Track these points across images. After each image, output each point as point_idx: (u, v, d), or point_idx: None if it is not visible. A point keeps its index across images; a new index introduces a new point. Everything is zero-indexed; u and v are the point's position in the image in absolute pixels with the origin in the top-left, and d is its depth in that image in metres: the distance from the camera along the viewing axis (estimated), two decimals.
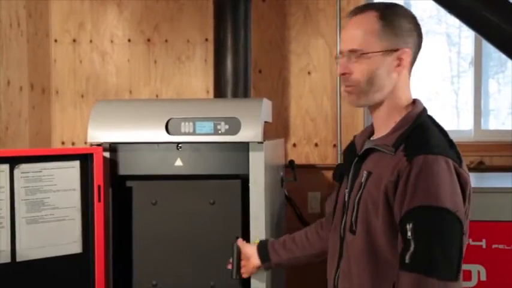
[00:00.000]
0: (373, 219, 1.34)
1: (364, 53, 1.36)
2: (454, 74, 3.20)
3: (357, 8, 1.43)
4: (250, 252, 1.84)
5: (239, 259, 1.88)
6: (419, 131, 1.36)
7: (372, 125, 1.54)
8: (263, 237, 1.95)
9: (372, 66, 1.37)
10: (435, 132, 1.38)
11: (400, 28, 1.37)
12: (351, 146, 1.56)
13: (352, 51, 1.38)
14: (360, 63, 1.37)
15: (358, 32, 1.37)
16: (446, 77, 3.17)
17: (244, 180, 2.01)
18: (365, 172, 1.39)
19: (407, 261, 1.25)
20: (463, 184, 1.31)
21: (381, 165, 1.36)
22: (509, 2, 2.42)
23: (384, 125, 1.43)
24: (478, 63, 3.01)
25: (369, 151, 1.42)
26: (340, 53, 1.42)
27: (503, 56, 2.58)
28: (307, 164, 2.98)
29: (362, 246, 1.36)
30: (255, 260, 1.82)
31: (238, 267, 1.87)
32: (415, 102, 1.44)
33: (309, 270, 2.94)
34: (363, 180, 1.39)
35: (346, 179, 1.50)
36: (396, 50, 1.37)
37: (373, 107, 1.43)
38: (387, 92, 1.39)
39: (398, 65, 1.38)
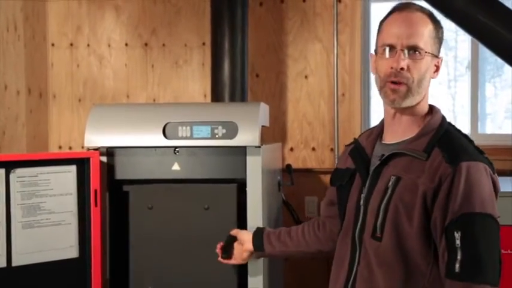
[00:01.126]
0: (405, 225, 1.33)
1: (424, 53, 1.36)
2: (451, 78, 3.21)
3: (408, 4, 1.42)
4: (245, 237, 1.83)
5: (230, 244, 1.88)
6: (451, 137, 1.38)
7: (378, 128, 1.52)
8: None
9: (424, 67, 1.37)
10: (464, 138, 1.40)
11: (441, 37, 1.43)
12: (358, 148, 1.52)
13: (412, 48, 1.36)
14: (415, 61, 1.36)
15: (422, 31, 1.37)
16: (443, 81, 3.18)
17: (241, 185, 2.01)
18: (393, 177, 1.37)
19: (457, 270, 1.25)
20: (497, 190, 1.35)
21: (412, 171, 1.34)
22: (505, 6, 2.43)
23: (407, 129, 1.42)
24: (474, 67, 3.01)
25: (391, 155, 1.40)
26: (392, 46, 1.37)
27: (500, 60, 2.58)
28: (305, 168, 2.97)
29: (391, 252, 1.34)
30: (248, 245, 1.81)
31: (226, 249, 1.87)
32: (432, 107, 1.46)
33: (306, 272, 2.94)
34: (390, 185, 1.36)
35: (359, 182, 1.46)
36: (437, 57, 1.42)
37: (404, 110, 1.41)
38: (423, 96, 1.41)
39: (435, 72, 1.42)
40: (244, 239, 1.83)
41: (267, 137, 2.46)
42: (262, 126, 2.08)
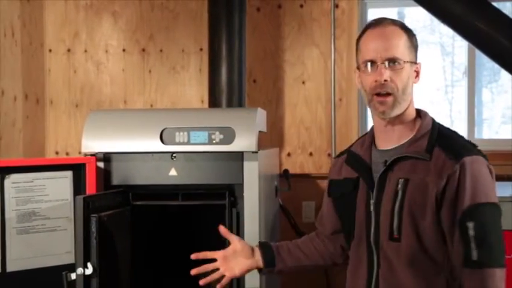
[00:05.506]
0: (421, 223, 1.41)
1: (403, 62, 1.44)
2: (448, 83, 3.22)
3: (379, 20, 1.49)
4: (248, 251, 1.64)
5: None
6: (446, 136, 1.47)
7: (370, 136, 1.57)
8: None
9: (405, 76, 1.45)
10: (456, 135, 1.50)
11: (416, 43, 1.50)
12: (354, 157, 1.57)
13: (392, 59, 1.43)
14: (396, 72, 1.44)
15: (396, 42, 1.45)
16: (440, 87, 3.19)
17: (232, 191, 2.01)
18: (401, 180, 1.43)
19: (474, 258, 1.35)
20: (494, 178, 1.44)
21: (418, 171, 1.42)
22: (502, 12, 2.43)
23: (401, 134, 1.49)
24: (471, 72, 3.02)
25: (394, 160, 1.46)
26: (373, 61, 1.45)
27: (497, 66, 2.59)
28: (302, 173, 2.97)
29: (412, 251, 1.42)
30: (255, 262, 1.64)
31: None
32: (419, 111, 1.53)
33: (305, 283, 2.92)
34: (399, 188, 1.43)
35: (365, 190, 1.50)
36: (416, 63, 1.49)
37: (395, 117, 1.47)
38: (409, 102, 1.49)
39: (417, 76, 1.50)
40: (247, 253, 1.64)
41: (264, 143, 2.46)
42: (260, 131, 2.08)
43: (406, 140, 1.48)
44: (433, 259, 1.41)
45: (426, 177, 1.41)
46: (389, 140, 1.50)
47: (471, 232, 1.35)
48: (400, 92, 1.44)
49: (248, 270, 1.65)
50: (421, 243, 1.41)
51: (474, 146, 1.47)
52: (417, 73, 1.50)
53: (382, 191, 1.46)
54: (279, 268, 1.66)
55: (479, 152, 1.45)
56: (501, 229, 1.40)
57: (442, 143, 1.44)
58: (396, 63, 1.43)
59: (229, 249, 1.63)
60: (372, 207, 1.48)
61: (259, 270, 1.66)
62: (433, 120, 1.51)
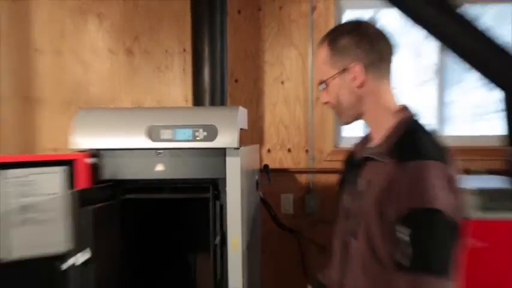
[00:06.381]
0: (372, 226, 1.35)
1: (325, 82, 1.49)
2: (419, 82, 3.30)
3: (320, 40, 1.52)
4: None
5: None
6: (408, 137, 1.39)
7: (368, 133, 1.59)
8: (239, 237, 2.02)
9: (334, 91, 1.49)
10: (423, 136, 1.40)
11: (344, 48, 1.45)
12: (351, 154, 1.59)
13: (319, 83, 1.51)
14: (327, 91, 1.51)
15: (318, 65, 1.51)
16: (411, 85, 3.27)
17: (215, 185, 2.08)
18: (364, 180, 1.42)
19: (404, 263, 1.26)
20: (453, 186, 1.32)
21: (376, 173, 1.38)
22: (469, 14, 2.55)
23: (377, 132, 1.48)
24: (441, 72, 3.12)
25: (366, 159, 1.44)
26: None
27: (465, 65, 2.68)
28: (281, 168, 3.05)
29: (363, 251, 1.38)
30: None
31: None
32: (405, 108, 1.48)
33: (282, 267, 3.02)
34: (363, 189, 1.41)
35: (348, 186, 1.53)
36: (347, 69, 1.45)
37: (363, 120, 1.50)
38: (359, 106, 1.47)
39: (355, 80, 1.45)
40: None
41: (245, 140, 2.50)
42: (241, 129, 2.11)
43: (382, 140, 1.44)
44: (383, 265, 1.34)
45: (378, 180, 1.35)
46: (373, 138, 1.50)
47: (406, 238, 1.26)
48: (337, 105, 1.49)
49: None
50: (371, 246, 1.35)
51: (439, 150, 1.37)
52: (354, 75, 1.44)
53: (354, 189, 1.46)
54: None
55: (437, 156, 1.33)
56: (445, 239, 1.28)
57: (399, 145, 1.37)
58: (322, 86, 1.49)
59: None
60: (347, 204, 1.50)
61: None
62: (407, 118, 1.44)
